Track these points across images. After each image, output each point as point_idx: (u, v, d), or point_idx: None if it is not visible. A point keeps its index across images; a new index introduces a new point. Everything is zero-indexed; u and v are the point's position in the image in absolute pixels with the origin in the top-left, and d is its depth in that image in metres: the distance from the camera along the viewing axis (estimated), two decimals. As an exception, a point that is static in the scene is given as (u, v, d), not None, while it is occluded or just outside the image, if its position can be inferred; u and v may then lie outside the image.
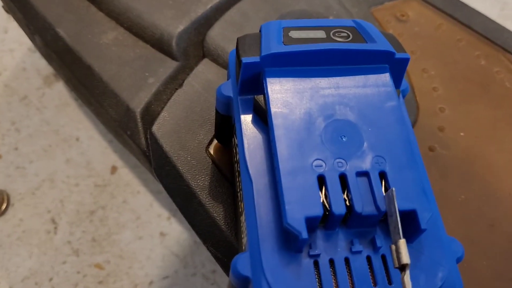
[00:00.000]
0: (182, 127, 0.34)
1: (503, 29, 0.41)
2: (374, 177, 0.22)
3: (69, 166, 0.68)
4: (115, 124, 0.36)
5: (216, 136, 0.32)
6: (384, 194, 0.22)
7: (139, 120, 0.34)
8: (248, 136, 0.25)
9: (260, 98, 0.27)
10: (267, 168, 0.24)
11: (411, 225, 0.21)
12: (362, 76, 0.25)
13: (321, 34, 0.26)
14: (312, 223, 0.21)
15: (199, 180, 0.32)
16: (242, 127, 0.25)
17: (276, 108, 0.23)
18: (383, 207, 0.21)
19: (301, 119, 0.23)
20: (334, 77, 0.25)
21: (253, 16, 0.38)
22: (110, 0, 0.39)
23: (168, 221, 0.65)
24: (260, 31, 0.27)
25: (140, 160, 0.38)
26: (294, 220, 0.20)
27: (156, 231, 0.65)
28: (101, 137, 0.68)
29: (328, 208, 0.21)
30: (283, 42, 0.25)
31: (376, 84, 0.25)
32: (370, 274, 0.21)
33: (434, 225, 0.23)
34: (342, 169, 0.22)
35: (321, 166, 0.22)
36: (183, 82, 0.36)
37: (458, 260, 0.23)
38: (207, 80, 0.36)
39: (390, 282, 0.21)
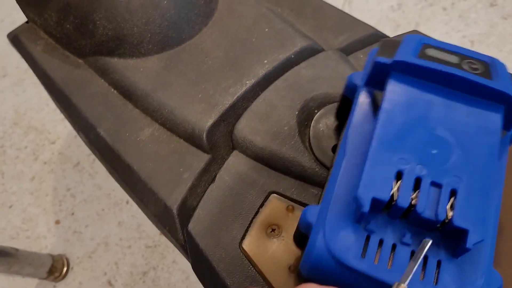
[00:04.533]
0: (216, 223, 0.35)
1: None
2: (446, 191, 0.24)
3: (121, 229, 0.72)
4: (155, 219, 0.38)
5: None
6: (448, 207, 0.24)
7: (176, 217, 0.37)
8: (356, 119, 0.29)
9: (379, 94, 0.30)
10: (361, 150, 0.27)
11: (460, 242, 0.24)
12: (475, 108, 0.27)
13: (454, 59, 0.28)
14: (377, 204, 0.24)
15: (234, 277, 0.33)
16: (356, 109, 0.29)
17: (388, 106, 0.27)
18: (442, 216, 0.24)
19: (405, 123, 0.27)
20: (449, 100, 0.28)
21: (278, 104, 0.40)
22: (145, 97, 0.42)
23: (217, 280, 0.67)
24: (403, 40, 0.30)
25: (180, 252, 0.40)
26: (363, 194, 0.24)
27: (206, 290, 0.67)
28: (149, 200, 0.72)
29: (395, 199, 0.24)
30: (417, 55, 0.28)
31: (485, 119, 0.27)
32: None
33: (481, 252, 0.25)
34: (421, 173, 0.25)
35: (404, 164, 0.25)
36: (215, 176, 0.38)
37: None
38: (238, 173, 0.37)
39: (422, 278, 0.24)
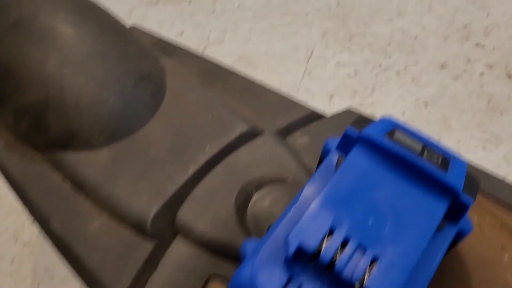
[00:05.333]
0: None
1: None
2: (368, 256, 0.27)
3: (97, 307, 0.73)
4: (103, 309, 0.40)
5: None
6: (367, 271, 0.26)
7: (121, 308, 0.38)
8: (316, 176, 0.32)
9: (343, 159, 0.33)
10: (310, 201, 0.30)
11: None
12: (423, 194, 0.30)
13: (418, 147, 0.31)
14: (303, 253, 0.27)
15: None
16: (320, 168, 0.33)
17: (343, 171, 0.30)
18: (357, 277, 0.26)
19: (352, 190, 0.29)
20: (401, 181, 0.30)
21: (218, 189, 0.42)
22: (94, 189, 0.44)
23: None
24: (378, 119, 0.34)
25: None
26: (292, 240, 0.27)
27: None
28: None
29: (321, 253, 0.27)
30: (384, 135, 0.31)
31: (429, 207, 0.29)
32: None
33: None
34: (350, 235, 0.27)
35: (338, 223, 0.28)
36: (158, 263, 0.39)
37: None
38: (179, 259, 0.39)
39: None
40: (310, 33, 0.87)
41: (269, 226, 0.39)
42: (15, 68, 0.46)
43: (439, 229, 0.31)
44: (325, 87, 0.78)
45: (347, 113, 0.48)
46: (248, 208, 0.41)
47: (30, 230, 0.80)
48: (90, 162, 0.46)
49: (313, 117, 0.49)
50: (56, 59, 0.46)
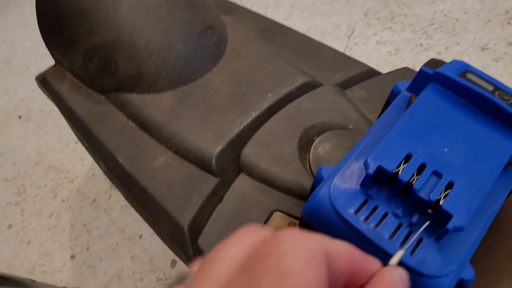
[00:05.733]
0: (223, 239, 0.39)
1: None
2: (444, 181, 0.28)
3: (134, 262, 0.75)
4: (168, 237, 0.42)
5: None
6: (442, 194, 0.28)
7: (187, 234, 0.40)
8: (390, 110, 0.34)
9: (415, 97, 0.35)
10: (385, 132, 0.31)
11: (443, 225, 0.27)
12: (494, 130, 0.31)
13: (489, 87, 0.33)
14: (381, 174, 0.29)
15: None
16: (393, 103, 0.35)
17: (418, 104, 0.32)
18: (434, 198, 0.27)
19: (427, 121, 0.31)
20: (474, 117, 0.32)
21: (280, 133, 0.44)
22: (159, 128, 0.46)
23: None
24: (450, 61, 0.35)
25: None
26: (372, 161, 0.28)
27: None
28: (161, 234, 0.75)
29: (398, 174, 0.28)
30: (457, 74, 0.33)
31: (500, 141, 0.31)
32: (392, 234, 0.28)
33: (461, 245, 0.29)
34: (426, 161, 0.29)
35: (415, 150, 0.29)
36: (223, 197, 0.41)
37: (466, 282, 0.28)
38: (244, 194, 0.41)
39: (401, 245, 0.27)
40: (351, 12, 0.88)
41: None
42: (88, 10, 0.48)
43: (507, 165, 0.32)
44: (366, 63, 0.79)
45: (404, 70, 0.50)
46: (310, 150, 0.43)
47: (69, 187, 0.83)
48: (155, 104, 0.48)
49: (370, 73, 0.50)
50: (129, 2, 0.48)
